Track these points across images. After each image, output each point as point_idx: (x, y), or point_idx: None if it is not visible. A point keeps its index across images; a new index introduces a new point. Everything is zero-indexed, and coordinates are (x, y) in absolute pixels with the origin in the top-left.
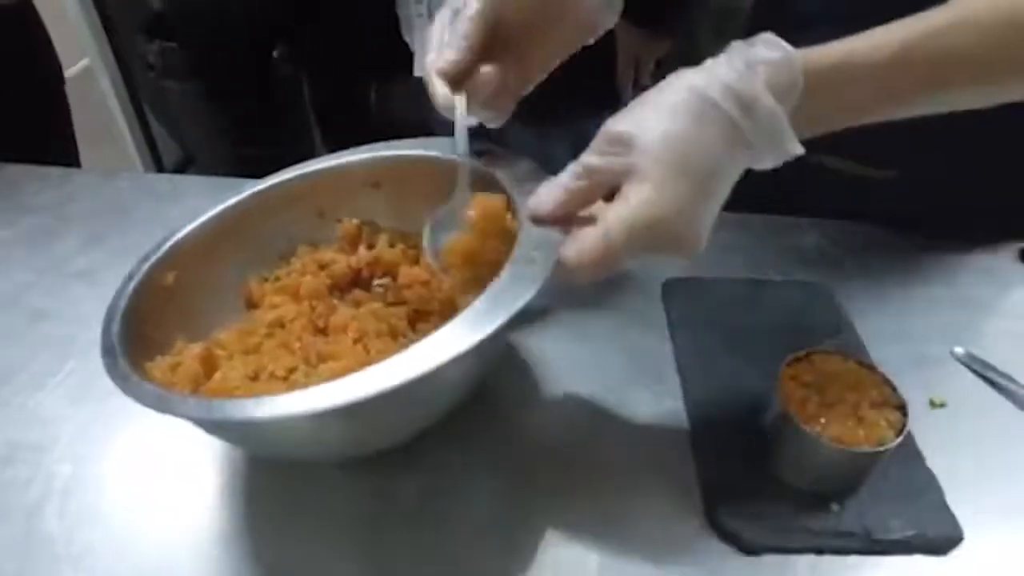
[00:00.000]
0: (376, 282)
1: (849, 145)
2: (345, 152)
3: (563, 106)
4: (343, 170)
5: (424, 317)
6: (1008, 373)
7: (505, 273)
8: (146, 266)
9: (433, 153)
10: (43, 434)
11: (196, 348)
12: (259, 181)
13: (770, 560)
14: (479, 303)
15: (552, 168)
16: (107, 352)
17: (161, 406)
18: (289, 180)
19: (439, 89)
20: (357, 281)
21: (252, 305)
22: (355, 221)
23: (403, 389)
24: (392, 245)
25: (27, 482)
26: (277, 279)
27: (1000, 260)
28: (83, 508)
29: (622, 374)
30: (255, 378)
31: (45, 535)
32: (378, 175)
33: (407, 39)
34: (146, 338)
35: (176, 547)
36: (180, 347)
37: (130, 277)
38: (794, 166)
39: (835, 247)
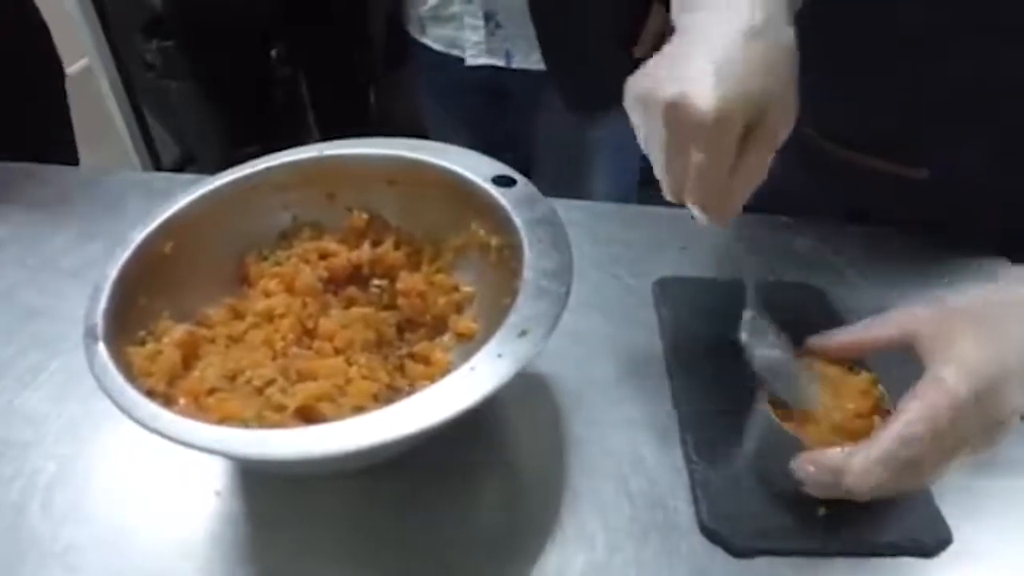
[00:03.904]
0: (374, 282)
1: (881, 140)
2: (362, 141)
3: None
4: (361, 161)
5: (414, 328)
6: None
7: (501, 334)
8: (145, 233)
9: (455, 168)
10: (28, 432)
11: (179, 331)
12: (272, 156)
13: (759, 563)
14: (477, 361)
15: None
16: (89, 333)
17: (142, 420)
18: (304, 160)
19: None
20: (355, 278)
21: (247, 282)
22: (364, 216)
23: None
24: (397, 247)
25: (10, 479)
26: (277, 263)
27: (996, 261)
28: (68, 506)
29: (611, 374)
30: (232, 379)
31: (30, 532)
32: (395, 174)
33: (411, 33)
34: (134, 308)
35: (165, 545)
36: (165, 327)
37: (127, 243)
38: (823, 164)
39: (830, 248)
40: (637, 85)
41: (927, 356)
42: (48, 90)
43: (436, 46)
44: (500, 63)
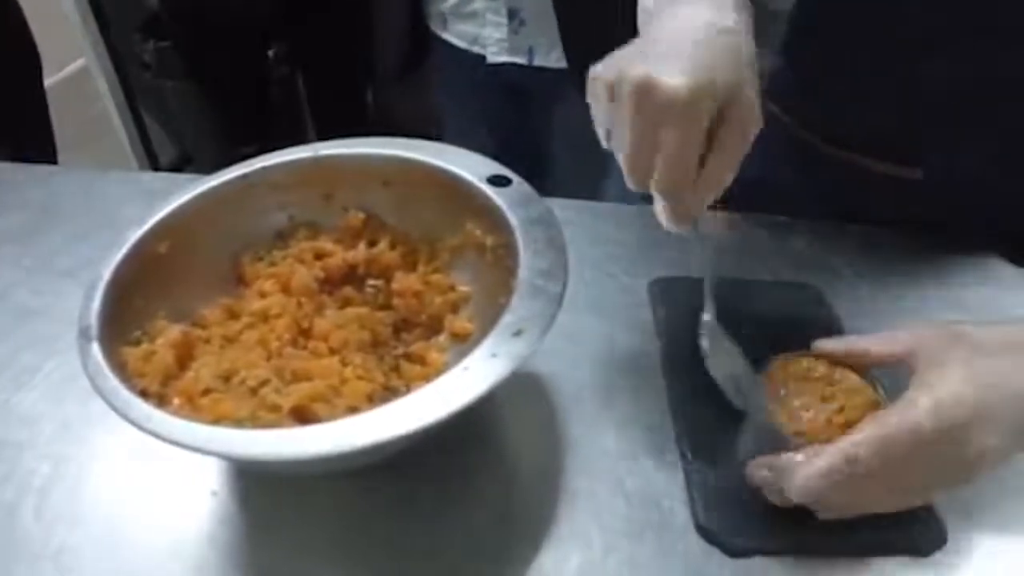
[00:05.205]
0: (370, 282)
1: (878, 141)
2: (359, 141)
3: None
4: (357, 161)
5: (409, 328)
6: None
7: (495, 334)
8: (140, 233)
9: (451, 168)
10: (23, 432)
11: (174, 332)
12: (268, 156)
13: (754, 562)
14: (471, 361)
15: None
16: (83, 333)
17: (136, 420)
18: (301, 160)
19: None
20: (351, 278)
21: (242, 282)
22: (361, 215)
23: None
24: (393, 247)
25: (4, 480)
26: (272, 263)
27: (992, 260)
28: (62, 507)
29: (607, 374)
30: (227, 379)
31: (24, 533)
32: (391, 174)
33: (433, 29)
34: (129, 308)
35: (160, 546)
36: (160, 327)
37: (122, 243)
38: (819, 164)
39: (827, 247)
40: (602, 71)
41: (915, 376)
42: (28, 86)
43: (458, 42)
44: (522, 61)
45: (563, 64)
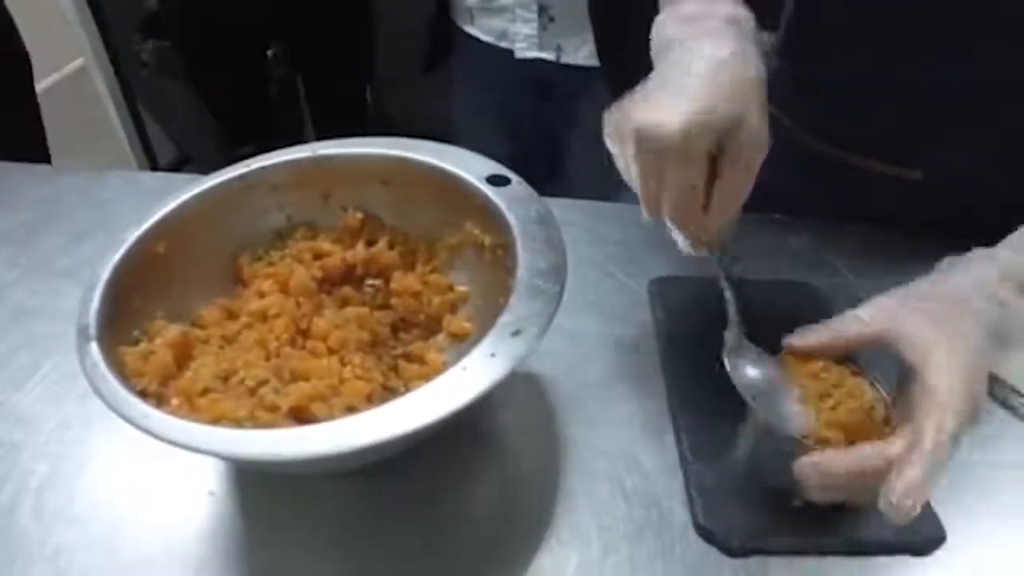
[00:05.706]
0: (368, 282)
1: (877, 142)
2: (357, 141)
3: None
4: (355, 161)
5: (408, 328)
6: (996, 375)
7: (494, 334)
8: (138, 233)
9: (450, 167)
10: (20, 432)
11: (173, 332)
12: (266, 156)
13: (753, 562)
14: (469, 361)
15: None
16: (81, 333)
17: (133, 420)
18: (299, 160)
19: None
20: (349, 277)
21: (241, 282)
22: (359, 215)
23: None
24: (391, 247)
25: (2, 480)
26: (271, 263)
27: None
28: (59, 507)
29: (606, 374)
30: (225, 379)
31: (21, 533)
32: (389, 174)
33: (458, 23)
34: (127, 308)
35: (158, 546)
36: (159, 327)
37: (120, 244)
38: (817, 164)
39: (826, 246)
40: (610, 118)
41: (909, 358)
42: (18, 89)
43: (485, 37)
44: (550, 57)
45: (591, 62)
